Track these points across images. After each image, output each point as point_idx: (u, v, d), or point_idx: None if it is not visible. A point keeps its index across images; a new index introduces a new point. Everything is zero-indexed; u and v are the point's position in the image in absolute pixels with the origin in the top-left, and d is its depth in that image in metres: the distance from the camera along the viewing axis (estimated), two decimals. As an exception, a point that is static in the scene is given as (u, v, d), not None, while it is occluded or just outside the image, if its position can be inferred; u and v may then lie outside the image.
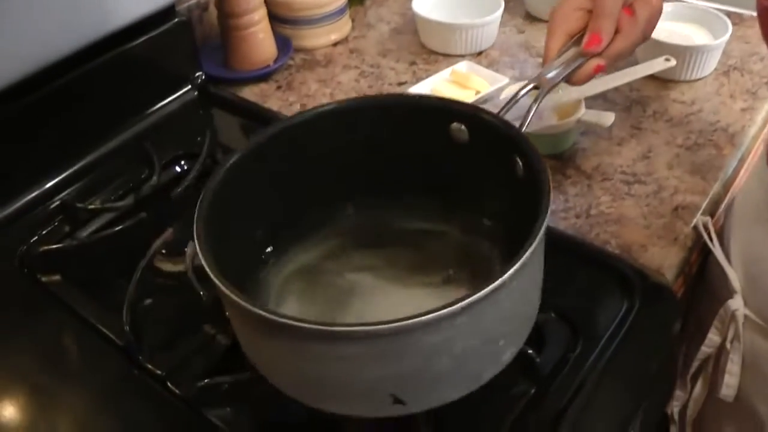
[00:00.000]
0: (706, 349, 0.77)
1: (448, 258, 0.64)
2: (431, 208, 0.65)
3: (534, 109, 0.61)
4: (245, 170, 0.58)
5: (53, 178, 0.78)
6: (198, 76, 0.91)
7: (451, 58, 0.97)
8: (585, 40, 0.64)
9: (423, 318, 0.43)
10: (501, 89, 0.87)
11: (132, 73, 0.83)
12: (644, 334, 0.63)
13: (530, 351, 0.59)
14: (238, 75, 0.94)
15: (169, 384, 0.60)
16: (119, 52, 0.81)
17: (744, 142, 0.82)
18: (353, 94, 0.92)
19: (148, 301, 0.67)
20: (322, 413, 0.51)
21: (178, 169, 0.82)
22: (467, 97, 0.86)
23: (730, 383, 0.74)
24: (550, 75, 0.64)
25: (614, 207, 0.74)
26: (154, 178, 0.77)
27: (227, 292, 0.46)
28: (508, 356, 0.52)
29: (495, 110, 0.60)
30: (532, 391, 0.59)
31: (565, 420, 0.56)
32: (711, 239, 0.73)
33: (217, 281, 0.47)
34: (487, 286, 0.44)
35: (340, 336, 0.44)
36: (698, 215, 0.74)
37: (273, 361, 0.52)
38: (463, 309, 0.44)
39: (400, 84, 0.93)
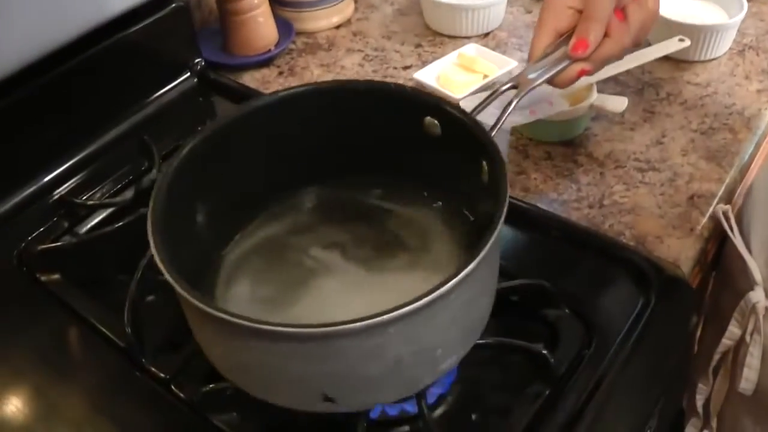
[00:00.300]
0: (726, 342, 0.75)
1: (414, 241, 0.62)
2: (402, 191, 0.64)
3: (509, 111, 0.58)
4: (208, 151, 0.56)
5: (50, 173, 0.75)
6: (197, 62, 0.88)
7: (457, 39, 0.94)
8: (571, 43, 0.61)
9: (351, 326, 0.42)
10: (509, 73, 0.85)
11: (129, 62, 0.81)
12: (661, 330, 0.61)
13: (544, 351, 0.58)
14: (239, 61, 0.91)
15: (173, 387, 0.58)
16: (115, 40, 0.78)
17: (760, 126, 0.80)
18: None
19: (150, 299, 0.65)
20: (322, 415, 0.50)
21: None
22: (475, 81, 0.83)
23: (749, 377, 0.72)
24: (532, 75, 0.61)
25: (628, 196, 0.72)
26: (154, 171, 0.74)
27: (163, 268, 0.46)
28: (447, 365, 0.50)
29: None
30: (547, 392, 0.57)
31: (581, 423, 0.55)
32: (731, 228, 0.71)
33: (159, 261, 0.46)
34: (422, 297, 0.42)
35: (264, 333, 0.43)
36: (714, 204, 0.71)
37: (212, 345, 0.51)
38: (395, 319, 0.42)
39: (406, 68, 0.90)
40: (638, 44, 0.64)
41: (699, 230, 0.69)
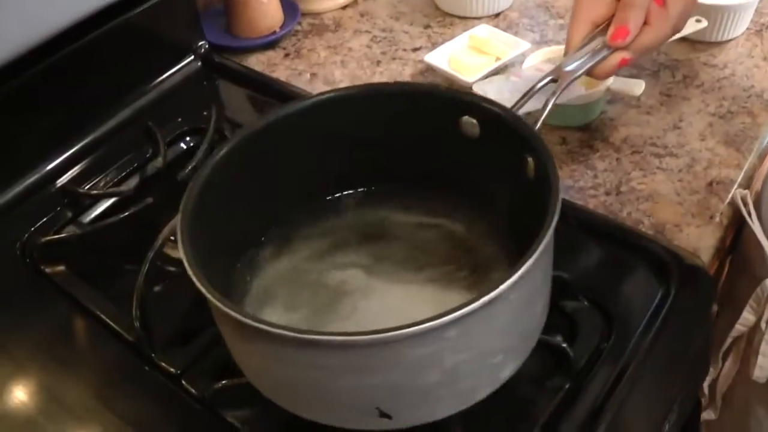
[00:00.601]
0: (740, 327, 0.74)
1: (447, 254, 0.60)
2: (432, 200, 0.62)
3: (551, 104, 0.57)
4: (236, 162, 0.54)
5: (51, 162, 0.74)
6: (201, 45, 0.86)
7: (467, 20, 0.92)
8: (610, 31, 0.59)
9: (407, 330, 0.40)
10: (522, 55, 0.82)
11: (131, 46, 0.78)
12: (681, 321, 0.60)
13: (564, 344, 0.56)
14: (243, 43, 0.89)
15: (184, 383, 0.57)
16: (116, 24, 0.76)
17: (780, 109, 0.78)
18: (365, 62, 0.87)
19: (158, 291, 0.64)
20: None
21: (183, 146, 0.78)
22: (487, 63, 0.81)
23: (763, 365, 0.71)
24: (571, 67, 0.59)
25: (645, 183, 0.70)
26: (159, 159, 0.73)
27: (207, 294, 0.44)
28: (507, 373, 0.49)
29: (514, 88, 0.56)
30: (567, 386, 0.56)
31: (602, 417, 0.54)
32: (749, 214, 0.69)
33: (198, 284, 0.45)
34: (481, 296, 0.40)
35: (316, 344, 0.41)
36: (733, 190, 0.70)
37: (253, 363, 0.49)
38: (453, 321, 0.40)
39: (415, 50, 0.88)
40: (678, 31, 0.62)
41: (718, 218, 0.67)
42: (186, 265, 0.46)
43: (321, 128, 0.58)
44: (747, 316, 0.73)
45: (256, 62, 0.88)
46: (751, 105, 0.78)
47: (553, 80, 0.59)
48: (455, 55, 0.82)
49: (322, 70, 0.86)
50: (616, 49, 0.59)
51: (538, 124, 0.55)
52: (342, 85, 0.84)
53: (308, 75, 0.86)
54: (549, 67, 0.76)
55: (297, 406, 0.48)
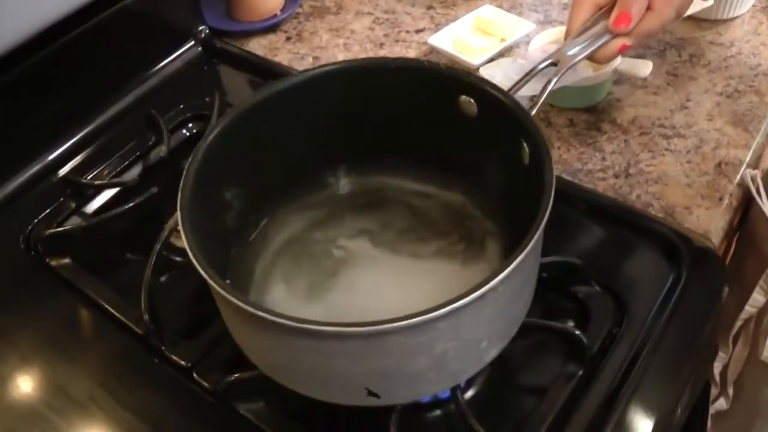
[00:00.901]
0: (750, 309, 0.74)
1: (443, 225, 0.61)
2: (431, 172, 0.62)
3: (549, 88, 0.56)
4: (235, 135, 0.54)
5: (52, 152, 0.73)
6: (201, 30, 0.84)
7: (469, 1, 0.91)
8: (613, 16, 0.59)
9: (401, 323, 0.40)
10: (527, 36, 0.81)
11: (130, 32, 0.77)
12: (692, 305, 0.60)
13: (577, 332, 0.56)
14: (244, 27, 0.87)
15: (195, 375, 0.57)
16: (115, 10, 0.74)
17: (787, 88, 0.77)
18: (368, 44, 0.86)
19: (165, 282, 0.63)
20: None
21: (186, 133, 0.77)
22: (492, 45, 0.80)
23: None
24: (571, 52, 0.59)
25: (654, 165, 0.70)
26: (163, 147, 0.71)
27: (207, 277, 0.44)
28: (491, 355, 0.49)
29: (512, 74, 0.56)
30: (580, 372, 0.56)
31: (616, 404, 0.53)
32: (759, 194, 0.69)
33: (200, 268, 0.45)
34: (473, 291, 0.41)
35: (309, 333, 0.42)
36: (742, 170, 0.69)
37: (251, 343, 0.50)
38: (446, 314, 0.41)
39: (419, 31, 0.87)
40: (681, 16, 0.61)
41: (728, 200, 0.67)
42: (189, 251, 0.46)
43: (316, 103, 0.58)
44: (757, 297, 0.73)
45: (258, 46, 0.87)
46: (758, 84, 0.77)
47: (554, 64, 0.58)
48: (460, 37, 0.81)
49: (325, 53, 0.85)
50: (618, 34, 0.59)
51: (535, 109, 0.54)
52: (345, 69, 0.83)
53: (310, 58, 0.84)
54: (553, 49, 0.75)
55: (292, 382, 0.49)
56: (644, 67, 0.74)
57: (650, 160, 0.70)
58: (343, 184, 0.64)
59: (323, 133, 0.60)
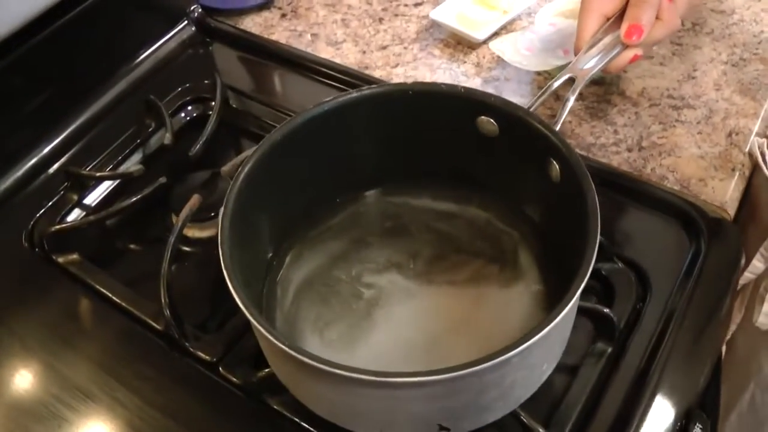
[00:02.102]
0: (748, 275, 0.75)
1: (473, 245, 0.59)
2: (452, 192, 0.61)
3: (569, 103, 0.56)
4: (267, 167, 0.53)
5: (49, 143, 0.70)
6: (194, 9, 0.81)
7: (466, -29, 0.89)
8: (624, 29, 0.60)
9: (481, 366, 0.40)
10: (529, 8, 0.80)
11: (121, 15, 0.74)
12: (713, 277, 0.60)
13: (606, 310, 0.56)
14: (237, 4, 0.84)
15: (221, 370, 0.55)
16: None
17: (791, 54, 0.77)
18: (367, 20, 0.84)
19: (181, 275, 0.61)
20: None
21: (186, 117, 0.75)
22: (496, 18, 0.78)
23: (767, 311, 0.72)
24: (587, 66, 0.60)
25: (666, 136, 0.69)
26: (167, 134, 0.69)
27: (265, 333, 0.43)
28: (548, 374, 0.50)
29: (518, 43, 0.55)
30: (609, 350, 0.56)
31: (648, 380, 0.54)
32: (765, 162, 0.69)
33: (253, 320, 0.44)
34: (543, 326, 0.41)
35: (390, 385, 0.41)
36: (752, 138, 0.69)
37: (309, 392, 0.49)
38: (520, 351, 0.41)
39: (417, 5, 0.85)
40: (684, 22, 0.63)
41: (741, 169, 0.67)
42: (232, 290, 0.45)
43: (335, 132, 0.57)
44: (757, 264, 0.73)
45: (252, 24, 0.84)
46: (762, 51, 0.77)
47: (571, 79, 0.59)
48: (462, 11, 0.79)
49: (323, 29, 0.83)
50: (630, 46, 0.60)
51: (558, 125, 0.54)
52: (346, 46, 0.80)
53: (309, 36, 0.82)
54: (561, 21, 0.74)
55: (356, 425, 0.48)
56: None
57: (662, 132, 0.70)
58: (363, 211, 0.62)
59: (343, 162, 0.59)
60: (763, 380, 0.78)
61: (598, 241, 0.46)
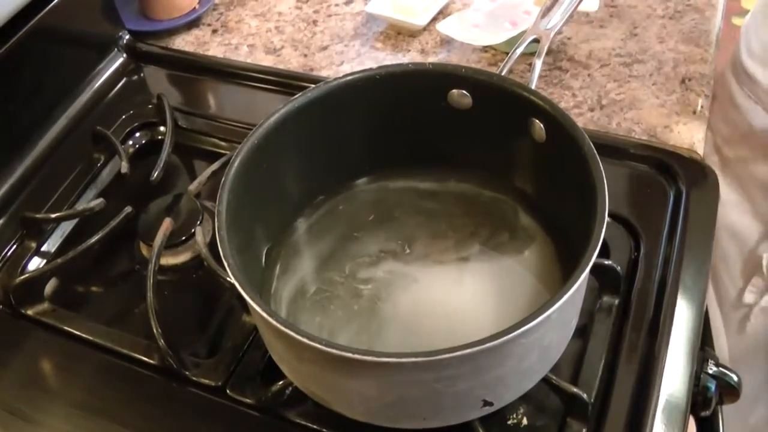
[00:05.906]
0: None
1: (469, 221, 0.57)
2: (438, 174, 0.60)
3: (538, 65, 0.56)
4: (255, 161, 0.51)
5: (-3, 191, 0.65)
6: (121, 36, 0.78)
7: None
8: None
9: (530, 324, 0.39)
10: (463, -11, 0.80)
11: (47, 52, 0.69)
12: (698, 216, 0.61)
13: (607, 262, 0.55)
14: (165, 25, 0.81)
15: (230, 393, 0.52)
16: (28, 30, 0.66)
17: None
18: (300, 24, 0.82)
19: (162, 305, 0.57)
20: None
21: (135, 144, 0.71)
22: (433, 3, 0.78)
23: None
24: (550, 25, 0.59)
25: (623, 92, 0.70)
26: (123, 163, 0.65)
27: (297, 336, 0.39)
28: (572, 332, 0.49)
29: None
30: (616, 302, 0.56)
31: (661, 324, 0.53)
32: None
33: (269, 317, 0.40)
34: (575, 279, 0.40)
35: (444, 363, 0.39)
36: (709, 83, 0.71)
37: (341, 392, 0.46)
38: (560, 306, 0.40)
39: (348, 3, 0.84)
40: None
41: (701, 111, 0.68)
42: (239, 289, 0.42)
43: (307, 128, 0.54)
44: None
45: (185, 43, 0.81)
46: (694, 2, 0.79)
47: (536, 40, 0.59)
48: (396, 1, 0.78)
49: (259, 39, 0.80)
50: None
51: (532, 84, 0.54)
52: (285, 52, 0.78)
53: (245, 47, 0.80)
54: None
55: (398, 419, 0.46)
56: (592, 2, 0.74)
57: (618, 89, 0.71)
58: (342, 206, 0.59)
59: (316, 161, 0.57)
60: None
61: (605, 182, 0.45)
